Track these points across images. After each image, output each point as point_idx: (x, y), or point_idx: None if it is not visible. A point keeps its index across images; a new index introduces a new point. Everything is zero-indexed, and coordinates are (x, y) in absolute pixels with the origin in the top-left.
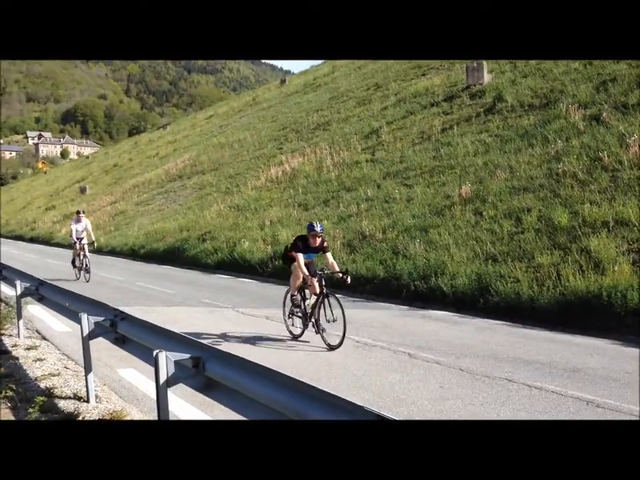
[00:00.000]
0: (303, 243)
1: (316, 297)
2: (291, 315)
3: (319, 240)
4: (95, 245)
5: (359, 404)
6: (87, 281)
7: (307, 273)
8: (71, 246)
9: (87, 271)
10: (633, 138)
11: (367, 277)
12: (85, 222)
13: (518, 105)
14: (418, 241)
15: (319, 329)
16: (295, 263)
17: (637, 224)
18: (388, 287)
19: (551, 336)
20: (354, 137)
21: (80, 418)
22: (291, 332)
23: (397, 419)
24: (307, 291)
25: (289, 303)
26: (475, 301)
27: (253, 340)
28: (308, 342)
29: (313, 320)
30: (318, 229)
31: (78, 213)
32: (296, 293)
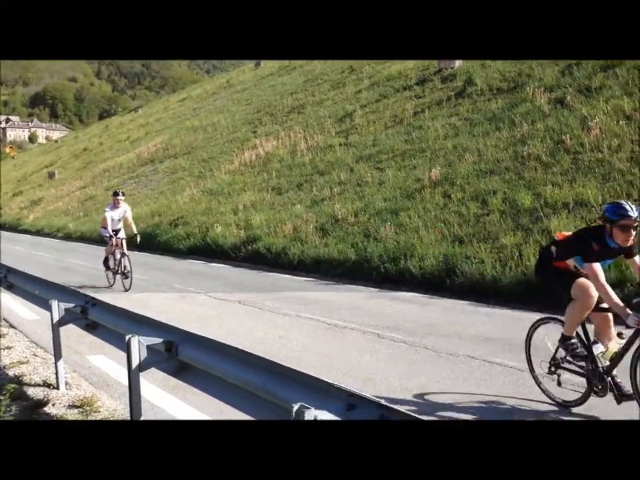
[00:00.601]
0: (599, 244)
1: (625, 342)
2: (554, 369)
3: (633, 234)
4: (139, 238)
5: (330, 382)
6: (127, 289)
7: (621, 303)
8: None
9: (126, 275)
10: (595, 121)
11: (339, 260)
12: (125, 207)
13: (487, 89)
14: (389, 223)
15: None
16: (581, 282)
17: (595, 205)
18: (359, 269)
19: (511, 314)
20: (328, 121)
21: (50, 405)
22: (551, 396)
23: (372, 398)
24: (587, 328)
25: (539, 344)
26: (442, 282)
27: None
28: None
29: (610, 379)
30: (635, 213)
31: (115, 194)
32: (574, 333)
